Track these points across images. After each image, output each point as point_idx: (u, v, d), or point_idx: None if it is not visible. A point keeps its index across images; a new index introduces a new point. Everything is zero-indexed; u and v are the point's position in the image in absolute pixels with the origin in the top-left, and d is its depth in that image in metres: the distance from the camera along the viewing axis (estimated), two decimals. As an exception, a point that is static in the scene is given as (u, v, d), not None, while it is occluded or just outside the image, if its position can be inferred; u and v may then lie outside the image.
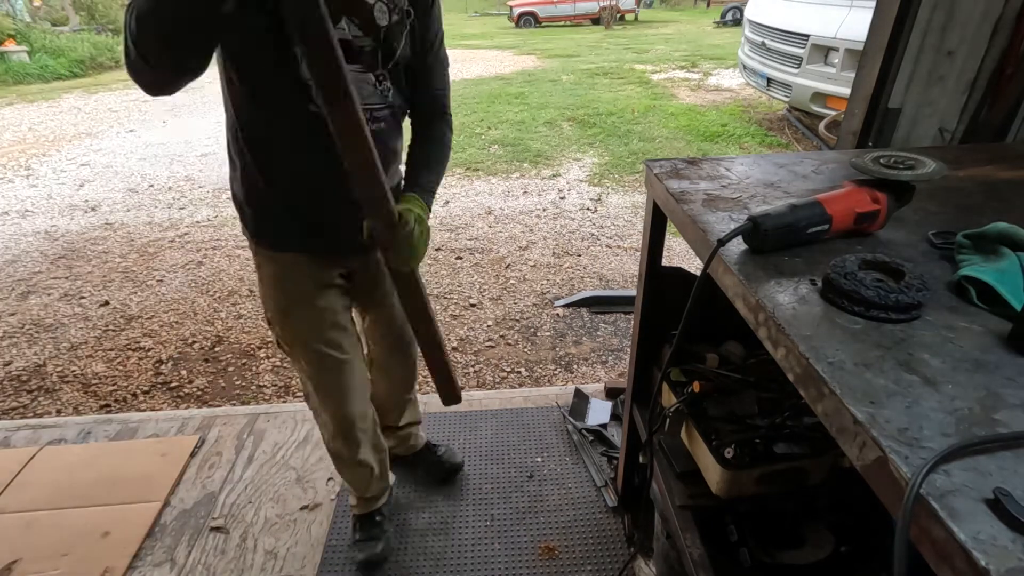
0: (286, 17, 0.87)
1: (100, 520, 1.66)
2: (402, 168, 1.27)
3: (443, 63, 1.23)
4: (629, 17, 16.67)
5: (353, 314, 1.36)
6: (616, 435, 1.90)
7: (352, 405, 1.32)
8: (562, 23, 16.35)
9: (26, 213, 4.19)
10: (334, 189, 1.09)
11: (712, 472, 1.06)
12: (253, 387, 2.37)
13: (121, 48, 0.88)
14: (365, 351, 1.50)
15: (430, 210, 1.19)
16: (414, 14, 1.08)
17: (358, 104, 0.93)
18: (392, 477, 1.64)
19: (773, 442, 1.04)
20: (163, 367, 2.51)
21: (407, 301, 1.26)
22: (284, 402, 2.28)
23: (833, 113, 4.36)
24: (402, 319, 1.40)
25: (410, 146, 1.27)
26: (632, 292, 2.91)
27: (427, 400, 1.99)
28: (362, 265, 1.29)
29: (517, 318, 2.78)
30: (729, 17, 14.09)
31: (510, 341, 2.62)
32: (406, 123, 1.24)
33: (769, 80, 5.23)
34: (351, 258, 1.26)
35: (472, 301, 2.94)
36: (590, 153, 5.18)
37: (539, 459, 1.84)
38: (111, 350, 2.62)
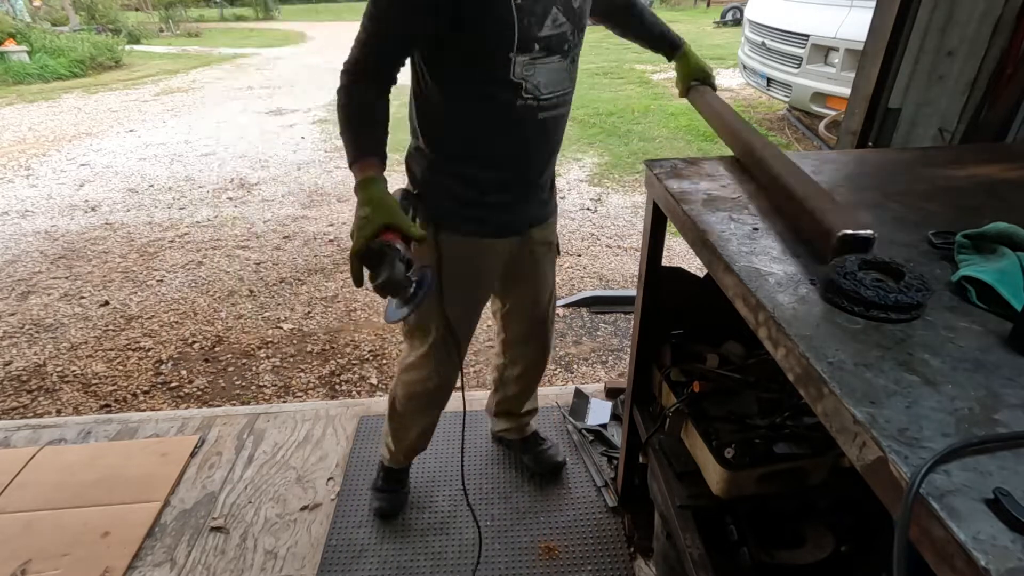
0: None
1: (100, 520, 1.66)
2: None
3: None
4: (629, 17, 16.63)
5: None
6: (616, 435, 1.89)
7: (445, 377, 1.42)
8: (562, 23, 16.25)
9: (26, 213, 4.19)
10: (517, 171, 1.20)
11: (712, 472, 1.06)
12: (253, 387, 2.37)
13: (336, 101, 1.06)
14: (501, 336, 1.61)
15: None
16: None
17: None
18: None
19: (773, 442, 1.04)
20: (163, 367, 2.51)
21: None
22: (284, 402, 2.28)
23: (833, 113, 4.36)
24: (537, 300, 1.45)
25: (629, 32, 1.38)
26: (632, 292, 2.90)
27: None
28: (520, 245, 1.34)
29: (517, 318, 2.78)
30: (729, 17, 14.05)
31: (510, 341, 2.62)
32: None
33: (769, 80, 5.22)
34: (516, 237, 1.31)
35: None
36: (590, 153, 5.17)
37: (539, 459, 1.84)
38: (111, 350, 2.62)
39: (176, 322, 2.82)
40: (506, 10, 0.97)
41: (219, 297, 3.04)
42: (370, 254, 0.93)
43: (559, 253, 1.45)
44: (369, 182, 0.98)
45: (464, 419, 1.45)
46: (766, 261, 0.79)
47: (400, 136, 1.30)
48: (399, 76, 1.07)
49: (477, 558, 1.53)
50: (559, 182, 4.53)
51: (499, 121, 1.10)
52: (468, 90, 1.08)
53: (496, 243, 1.27)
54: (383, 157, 1.03)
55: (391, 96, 1.08)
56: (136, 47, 12.65)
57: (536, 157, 1.21)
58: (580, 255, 3.39)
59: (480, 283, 1.33)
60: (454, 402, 2.02)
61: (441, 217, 1.20)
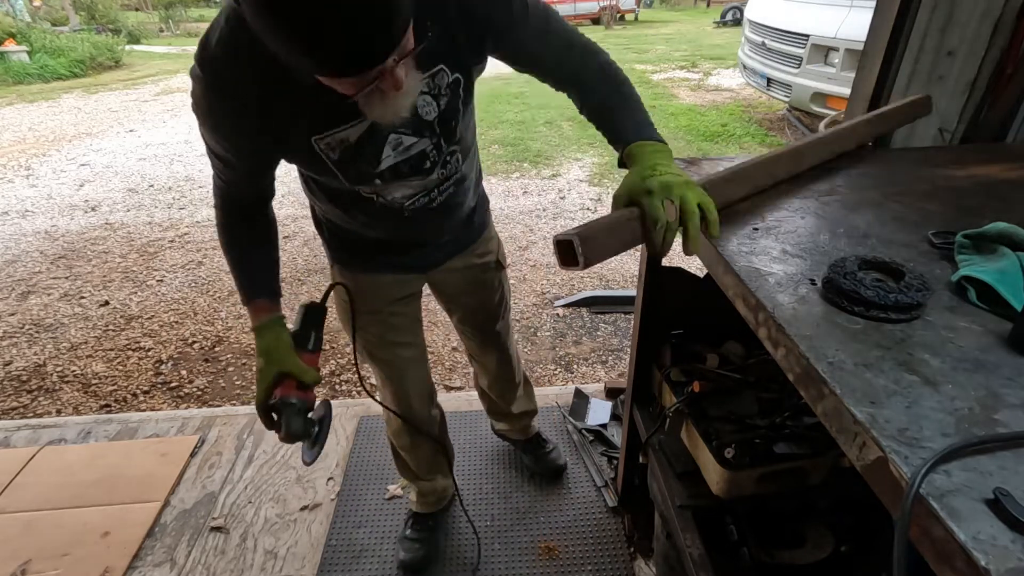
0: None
1: (100, 520, 1.66)
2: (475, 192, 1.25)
3: (558, 33, 0.95)
4: (629, 17, 16.63)
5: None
6: (616, 435, 1.89)
7: (410, 405, 1.38)
8: (562, 23, 16.27)
9: (26, 213, 4.19)
10: (400, 239, 1.14)
11: (712, 472, 1.06)
12: (253, 387, 2.37)
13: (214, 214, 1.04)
14: (464, 348, 1.63)
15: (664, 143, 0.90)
16: (469, 70, 0.93)
17: None
18: (453, 488, 1.59)
19: (773, 442, 1.04)
20: (163, 367, 2.51)
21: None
22: (284, 402, 2.28)
23: (833, 113, 4.36)
24: (483, 316, 1.45)
25: (586, 111, 1.00)
26: (632, 292, 2.90)
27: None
28: (434, 274, 1.30)
29: (517, 318, 2.77)
30: (729, 17, 14.06)
31: (510, 341, 2.62)
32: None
33: (769, 80, 5.22)
34: (422, 274, 1.29)
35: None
36: (590, 153, 5.18)
37: (539, 459, 1.84)
38: (111, 350, 2.62)
39: (176, 322, 2.82)
40: (325, 167, 0.91)
41: (219, 297, 3.04)
42: (270, 409, 0.97)
43: (503, 267, 1.41)
44: (262, 330, 0.98)
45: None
46: (766, 261, 0.79)
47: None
48: (271, 189, 1.04)
49: (477, 560, 1.53)
50: (559, 181, 4.53)
51: (365, 210, 1.04)
52: (327, 186, 1.03)
53: (400, 277, 1.23)
54: (273, 292, 1.02)
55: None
56: (136, 47, 12.66)
57: (420, 234, 1.14)
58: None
59: (394, 310, 1.26)
60: (455, 402, 2.02)
61: (338, 259, 1.20)
